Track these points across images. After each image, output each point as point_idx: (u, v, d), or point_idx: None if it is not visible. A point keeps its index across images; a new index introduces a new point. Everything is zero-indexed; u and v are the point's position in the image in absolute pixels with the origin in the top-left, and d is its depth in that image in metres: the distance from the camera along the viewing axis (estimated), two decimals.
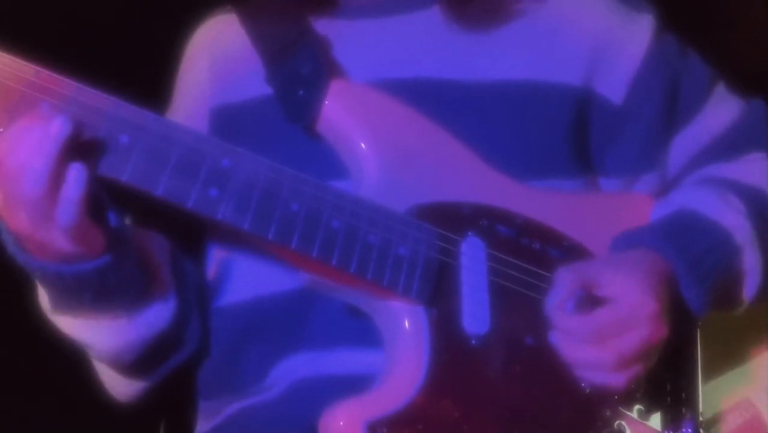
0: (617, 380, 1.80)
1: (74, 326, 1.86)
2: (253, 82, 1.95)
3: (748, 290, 1.96)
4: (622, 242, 1.91)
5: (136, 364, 1.92)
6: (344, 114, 1.87)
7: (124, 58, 2.76)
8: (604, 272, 1.82)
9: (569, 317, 1.79)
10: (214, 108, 2.02)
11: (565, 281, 1.80)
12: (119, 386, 1.99)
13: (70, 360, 2.01)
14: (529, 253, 1.87)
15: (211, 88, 2.04)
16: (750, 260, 1.94)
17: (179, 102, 2.09)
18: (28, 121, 1.65)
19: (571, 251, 1.90)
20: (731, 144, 2.07)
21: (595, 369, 1.79)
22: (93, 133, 1.68)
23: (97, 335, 1.87)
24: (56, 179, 1.64)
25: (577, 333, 1.78)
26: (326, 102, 1.86)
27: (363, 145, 1.86)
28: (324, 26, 1.99)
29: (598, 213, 1.96)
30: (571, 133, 1.97)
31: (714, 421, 2.27)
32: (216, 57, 2.06)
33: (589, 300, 1.79)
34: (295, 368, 1.88)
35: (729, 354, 2.26)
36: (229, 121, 1.99)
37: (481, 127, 1.91)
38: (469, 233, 1.84)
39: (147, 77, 2.16)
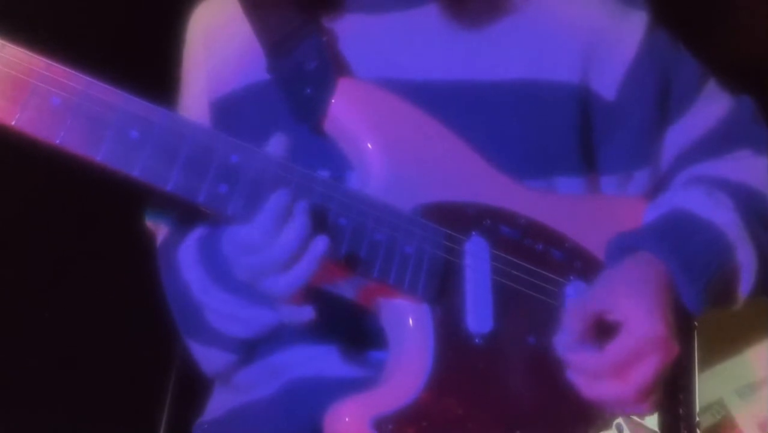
0: (640, 408, 1.82)
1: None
2: (254, 67, 1.94)
3: (744, 285, 1.96)
4: (617, 246, 1.91)
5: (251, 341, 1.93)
6: (351, 113, 1.88)
7: (134, 53, 2.75)
8: (611, 297, 1.81)
9: (582, 354, 1.78)
10: (214, 101, 2.02)
11: (574, 317, 1.79)
12: (221, 360, 1.98)
13: (68, 355, 2.00)
14: (532, 253, 1.88)
15: (209, 81, 2.03)
16: (744, 256, 1.94)
17: (184, 98, 2.08)
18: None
19: (573, 253, 1.92)
20: (720, 140, 2.09)
21: (617, 403, 1.80)
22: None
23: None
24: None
25: (593, 370, 1.78)
26: (333, 101, 1.87)
27: (370, 145, 1.87)
28: (322, 19, 1.97)
29: (596, 215, 1.98)
30: (574, 131, 1.99)
31: None
32: (212, 45, 2.04)
33: (600, 329, 1.78)
34: (292, 365, 1.90)
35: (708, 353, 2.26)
36: (230, 109, 1.98)
37: (486, 127, 1.93)
38: (473, 233, 1.86)
39: (156, 72, 2.14)
